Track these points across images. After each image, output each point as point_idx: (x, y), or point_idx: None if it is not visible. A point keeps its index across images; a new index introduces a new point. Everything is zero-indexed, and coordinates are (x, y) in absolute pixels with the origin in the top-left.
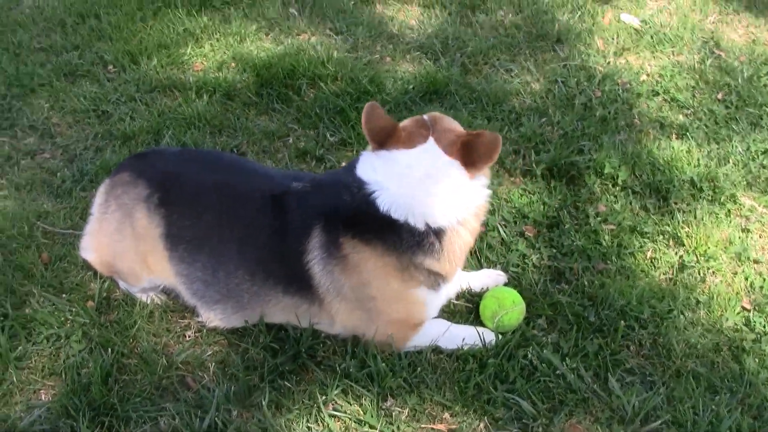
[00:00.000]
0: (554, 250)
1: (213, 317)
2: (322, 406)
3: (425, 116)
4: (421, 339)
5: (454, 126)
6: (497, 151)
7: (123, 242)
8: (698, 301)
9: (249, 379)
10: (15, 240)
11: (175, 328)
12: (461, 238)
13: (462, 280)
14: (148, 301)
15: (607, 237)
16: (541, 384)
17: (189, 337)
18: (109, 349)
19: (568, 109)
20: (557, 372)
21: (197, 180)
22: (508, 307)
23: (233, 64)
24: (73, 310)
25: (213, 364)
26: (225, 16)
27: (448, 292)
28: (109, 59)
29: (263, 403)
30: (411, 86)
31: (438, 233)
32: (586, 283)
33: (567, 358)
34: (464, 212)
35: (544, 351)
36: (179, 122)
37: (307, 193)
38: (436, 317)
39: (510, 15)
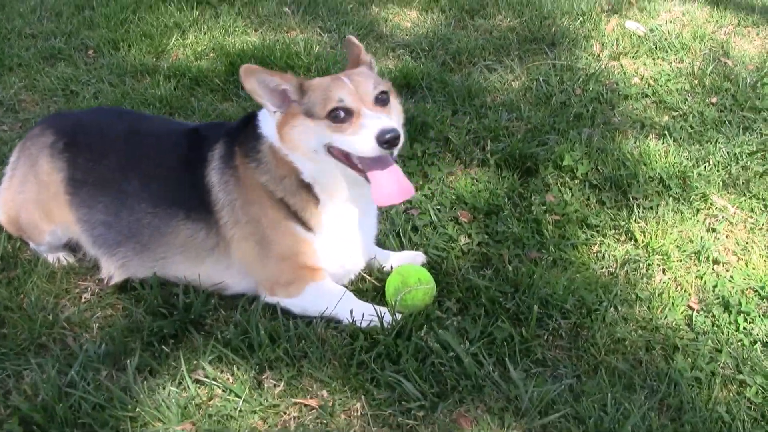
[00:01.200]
0: (487, 237)
1: (113, 268)
2: (185, 371)
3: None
4: (315, 293)
5: None
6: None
7: (26, 193)
8: (638, 297)
9: (127, 341)
10: None
11: (73, 290)
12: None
13: (375, 255)
14: (53, 261)
15: (549, 227)
16: (434, 368)
17: (85, 299)
18: None
19: (543, 106)
20: (453, 355)
21: (106, 125)
22: (412, 284)
23: (211, 54)
24: None
25: (96, 324)
26: (217, 13)
27: (343, 254)
28: (91, 45)
29: (130, 363)
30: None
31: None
32: (511, 270)
33: (469, 343)
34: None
35: (443, 333)
36: (140, 103)
37: (214, 125)
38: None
39: (508, 19)
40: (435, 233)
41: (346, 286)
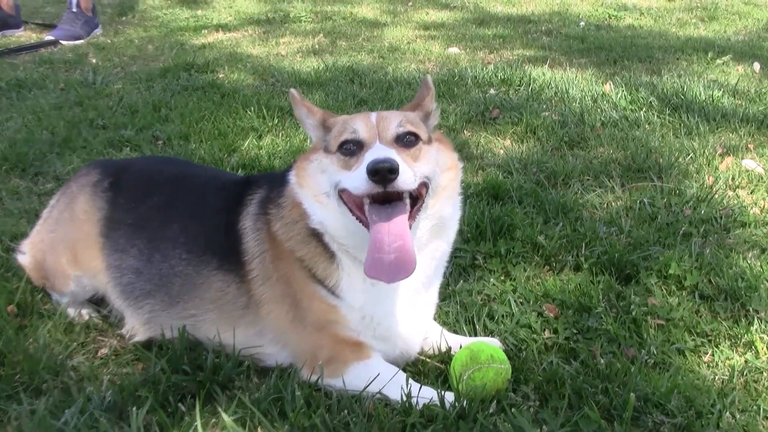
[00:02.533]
0: (575, 332)
1: (138, 323)
2: (200, 426)
3: None
4: (361, 374)
5: None
6: None
7: (57, 232)
8: (762, 409)
9: (139, 394)
10: None
11: (90, 345)
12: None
13: (440, 335)
14: (74, 315)
15: (651, 330)
16: None
17: (101, 354)
18: None
19: (646, 224)
20: None
21: (156, 169)
22: (483, 361)
23: (287, 156)
24: None
25: (107, 377)
26: (295, 123)
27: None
28: (161, 137)
29: (135, 413)
30: (470, 190)
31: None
32: (604, 364)
33: None
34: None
35: (517, 415)
36: None
37: (268, 174)
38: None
39: (611, 151)
40: (515, 325)
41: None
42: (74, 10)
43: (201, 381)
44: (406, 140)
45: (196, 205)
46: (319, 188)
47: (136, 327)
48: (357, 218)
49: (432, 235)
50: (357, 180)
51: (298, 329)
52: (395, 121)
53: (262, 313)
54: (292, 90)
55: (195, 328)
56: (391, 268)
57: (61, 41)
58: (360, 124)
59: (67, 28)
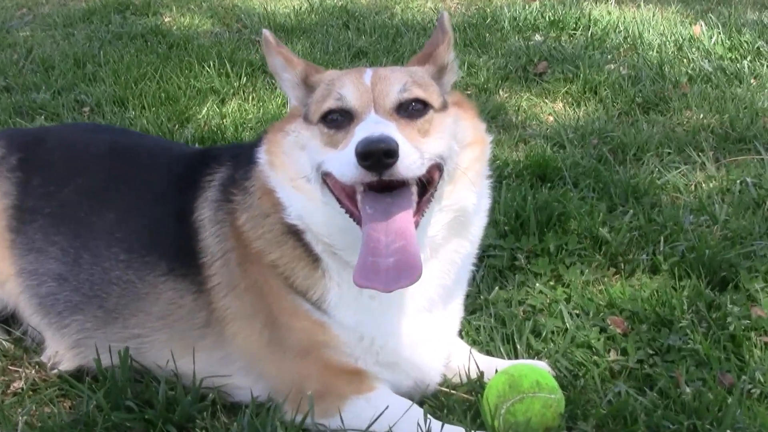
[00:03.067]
0: (650, 352)
1: (63, 346)
2: None
3: None
4: (362, 412)
5: None
6: None
7: None
8: None
9: None
10: None
11: None
12: None
13: (468, 357)
14: None
15: (756, 350)
16: None
17: (14, 388)
18: None
19: (749, 212)
20: None
21: (81, 141)
22: (526, 390)
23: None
24: None
25: (24, 419)
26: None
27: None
28: (88, 102)
29: None
30: (507, 169)
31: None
32: (689, 393)
33: None
34: None
35: None
36: None
37: (233, 146)
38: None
39: (701, 115)
40: (570, 344)
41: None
42: None
43: (150, 420)
44: (412, 109)
45: (138, 189)
46: (297, 171)
47: (61, 352)
48: (346, 210)
49: (450, 233)
50: (344, 164)
51: (276, 355)
52: (397, 84)
53: (228, 333)
54: (265, 31)
55: (140, 352)
56: (389, 273)
57: None
58: (349, 87)
59: None
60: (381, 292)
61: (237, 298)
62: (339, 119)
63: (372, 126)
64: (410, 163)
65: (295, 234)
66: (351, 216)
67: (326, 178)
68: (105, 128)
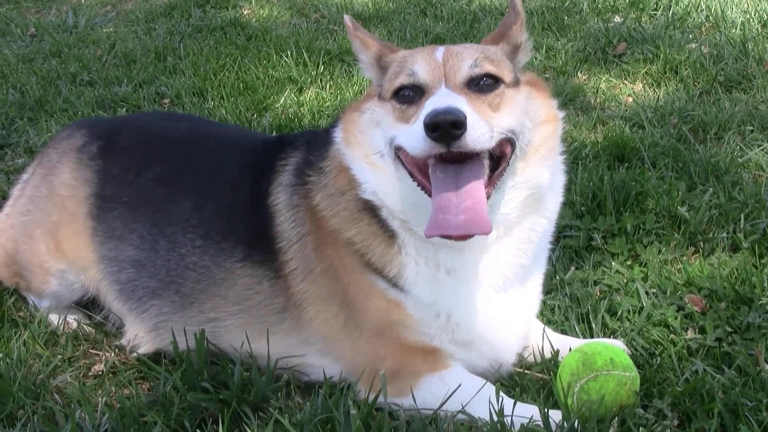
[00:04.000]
0: (729, 330)
1: (143, 330)
2: None
3: None
4: (436, 390)
5: None
6: None
7: (32, 213)
8: None
9: (144, 419)
10: None
11: (80, 360)
12: None
13: (542, 336)
14: (58, 323)
15: None
16: None
17: (95, 371)
18: None
19: None
20: None
21: (159, 128)
22: (600, 368)
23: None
24: None
25: (103, 400)
26: (350, 70)
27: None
28: (168, 94)
29: None
30: (586, 150)
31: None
32: None
33: None
34: None
35: None
36: None
37: (306, 133)
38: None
39: None
40: (646, 322)
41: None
42: None
43: (225, 400)
44: (483, 84)
45: (213, 176)
46: (371, 147)
47: (140, 336)
48: (418, 184)
49: (525, 210)
50: (414, 137)
51: (352, 336)
52: (469, 59)
53: (306, 317)
54: (346, 17)
55: (216, 336)
56: (459, 227)
57: None
58: (421, 63)
59: None
60: (454, 249)
61: (313, 283)
62: (410, 95)
63: (441, 99)
64: (479, 136)
65: (370, 210)
66: (423, 189)
67: (399, 153)
68: (181, 117)
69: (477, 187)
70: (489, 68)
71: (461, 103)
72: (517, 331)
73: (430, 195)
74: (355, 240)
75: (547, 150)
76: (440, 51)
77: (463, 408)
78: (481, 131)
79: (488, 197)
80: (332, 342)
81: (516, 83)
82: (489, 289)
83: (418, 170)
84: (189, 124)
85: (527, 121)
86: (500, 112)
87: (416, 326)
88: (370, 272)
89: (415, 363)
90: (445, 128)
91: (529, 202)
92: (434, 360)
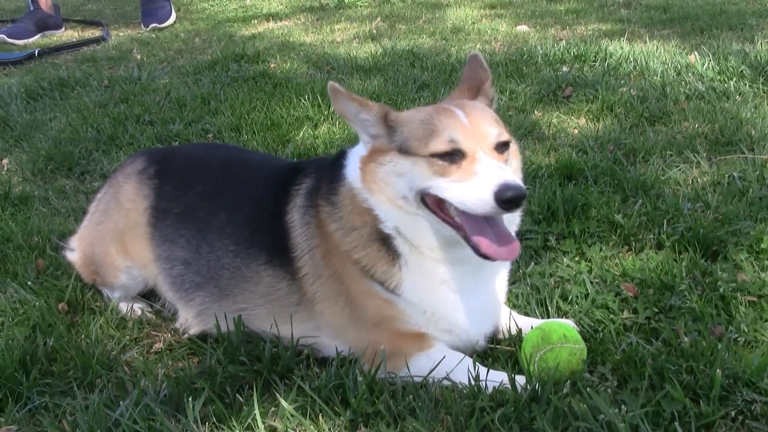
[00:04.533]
0: (656, 311)
1: (191, 316)
2: (258, 415)
3: None
4: (423, 365)
5: None
6: None
7: (104, 223)
8: None
9: (194, 386)
10: (22, 249)
11: (144, 340)
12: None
13: (509, 317)
14: (127, 311)
15: (741, 308)
16: None
17: (156, 349)
18: (47, 339)
19: (736, 199)
20: (605, 421)
21: (203, 155)
22: (555, 341)
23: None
24: (37, 304)
25: (163, 371)
26: None
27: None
28: (211, 130)
29: (192, 404)
30: (541, 171)
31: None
32: (687, 342)
33: (628, 415)
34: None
35: (593, 394)
36: None
37: (318, 160)
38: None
39: (696, 125)
40: (591, 305)
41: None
42: (31, 8)
43: (258, 371)
44: (502, 146)
45: (243, 194)
46: (395, 193)
47: (189, 320)
48: (443, 220)
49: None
50: (474, 198)
51: (355, 326)
52: (492, 125)
53: (317, 311)
54: (331, 83)
55: (247, 322)
56: (509, 252)
57: (9, 39)
58: (457, 131)
59: (18, 26)
60: (451, 264)
61: (322, 285)
62: (451, 156)
63: (499, 171)
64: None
65: (381, 240)
66: (447, 223)
67: (426, 197)
68: (221, 146)
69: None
70: (505, 135)
71: (509, 171)
72: (488, 320)
73: (454, 227)
74: (361, 261)
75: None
76: (462, 117)
77: (447, 375)
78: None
79: None
80: (339, 330)
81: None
82: (468, 292)
83: (439, 209)
84: (226, 152)
85: (518, 169)
86: (517, 169)
87: (407, 319)
88: (368, 279)
89: (407, 345)
90: (516, 203)
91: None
92: (422, 342)
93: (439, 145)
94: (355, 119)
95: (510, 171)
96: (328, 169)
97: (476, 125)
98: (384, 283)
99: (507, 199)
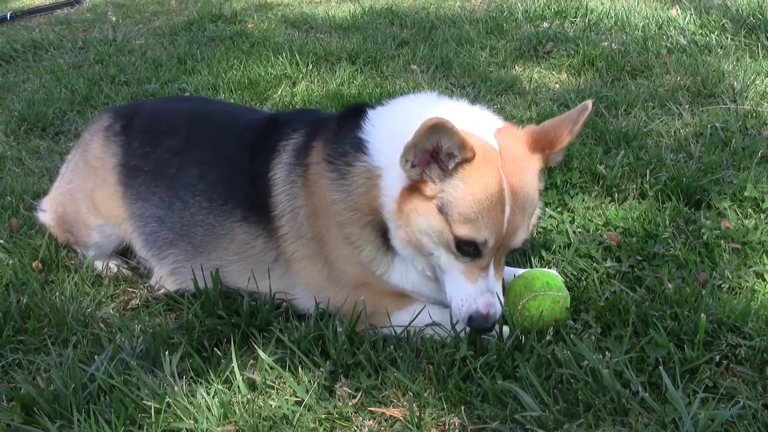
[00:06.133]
0: (640, 259)
1: (164, 273)
2: (236, 367)
3: None
4: (405, 320)
5: None
6: None
7: (74, 182)
8: None
9: (172, 341)
10: None
11: (120, 297)
12: None
13: None
14: (102, 269)
15: (725, 255)
16: (562, 384)
17: (132, 305)
18: (21, 297)
19: (718, 149)
20: (589, 368)
21: (171, 109)
22: (538, 289)
23: (324, 101)
24: (10, 263)
25: (139, 326)
26: (334, 68)
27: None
28: (188, 89)
29: (168, 358)
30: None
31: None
32: (671, 289)
33: (612, 361)
34: None
35: (576, 341)
36: None
37: (301, 112)
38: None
39: (678, 77)
40: (574, 254)
41: None
42: None
43: (237, 324)
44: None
45: (215, 149)
46: (419, 244)
47: (163, 278)
48: None
49: None
50: (456, 305)
51: (334, 287)
52: (521, 237)
53: (293, 269)
54: (440, 120)
55: (223, 277)
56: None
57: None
58: (492, 233)
59: None
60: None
61: (304, 245)
62: (471, 251)
63: (488, 299)
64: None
65: (380, 232)
66: None
67: None
68: (186, 98)
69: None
70: (528, 238)
71: (498, 294)
72: None
73: None
74: (351, 236)
75: None
76: (506, 217)
77: (433, 321)
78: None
79: None
80: (317, 290)
81: None
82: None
83: None
84: (191, 104)
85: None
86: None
87: (388, 283)
88: (350, 245)
89: (387, 303)
90: (481, 330)
91: None
92: (402, 299)
93: (471, 234)
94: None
95: (500, 292)
96: (333, 128)
97: (514, 231)
98: (370, 267)
99: (472, 326)
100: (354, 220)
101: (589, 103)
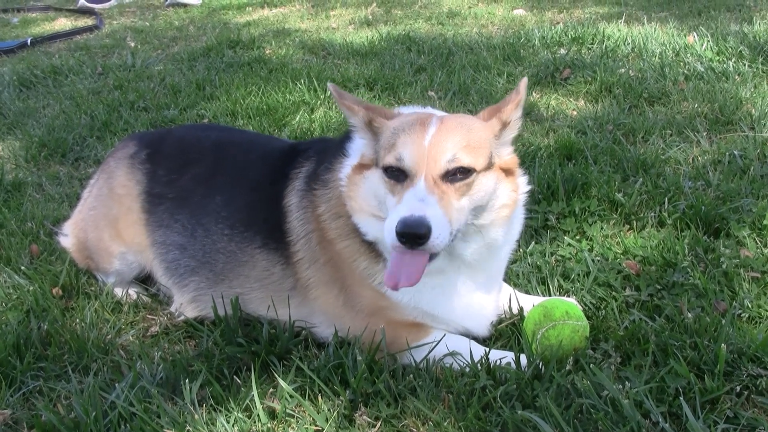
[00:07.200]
0: (659, 288)
1: (186, 300)
2: (257, 396)
3: None
4: (423, 352)
5: None
6: None
7: (97, 209)
8: None
9: (191, 369)
10: (16, 234)
11: (140, 324)
12: None
13: (510, 296)
14: (122, 296)
15: (745, 284)
16: (582, 414)
17: (152, 332)
18: (41, 323)
19: (737, 177)
20: (609, 398)
21: (195, 137)
22: (558, 318)
23: (343, 128)
24: (31, 289)
25: (159, 354)
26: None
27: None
28: (207, 116)
29: (189, 386)
30: (541, 152)
31: None
32: (691, 318)
33: (632, 391)
34: None
35: (596, 371)
36: None
37: (318, 141)
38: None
39: (696, 104)
40: (593, 283)
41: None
42: None
43: (256, 352)
44: (458, 176)
45: (238, 177)
46: (371, 207)
47: (184, 305)
48: None
49: (482, 255)
50: (389, 229)
51: (351, 313)
52: (448, 153)
53: (311, 296)
54: (330, 84)
55: (243, 305)
56: (400, 285)
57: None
58: (409, 149)
59: None
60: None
61: (318, 270)
62: (397, 173)
63: (415, 204)
64: (438, 242)
65: (364, 240)
66: None
67: None
68: (212, 127)
69: (420, 263)
70: (463, 162)
71: (432, 207)
72: (487, 311)
73: None
74: (344, 253)
75: (502, 222)
76: (429, 135)
77: (445, 355)
78: (441, 237)
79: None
80: (334, 316)
81: (488, 167)
82: (462, 291)
83: None
84: (218, 133)
85: (493, 202)
86: (467, 196)
87: (401, 311)
88: (349, 260)
89: (403, 335)
90: (412, 239)
91: (484, 251)
92: (418, 331)
93: (390, 158)
94: (349, 122)
95: (435, 205)
96: (330, 149)
97: (435, 146)
98: (368, 280)
99: (399, 232)
100: (340, 230)
101: (525, 79)
